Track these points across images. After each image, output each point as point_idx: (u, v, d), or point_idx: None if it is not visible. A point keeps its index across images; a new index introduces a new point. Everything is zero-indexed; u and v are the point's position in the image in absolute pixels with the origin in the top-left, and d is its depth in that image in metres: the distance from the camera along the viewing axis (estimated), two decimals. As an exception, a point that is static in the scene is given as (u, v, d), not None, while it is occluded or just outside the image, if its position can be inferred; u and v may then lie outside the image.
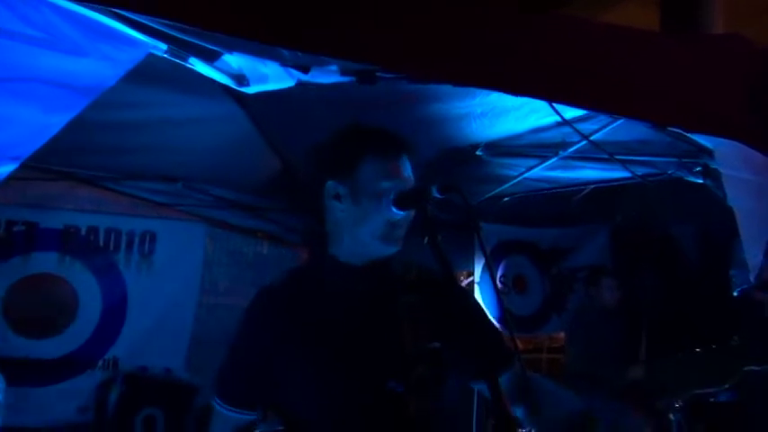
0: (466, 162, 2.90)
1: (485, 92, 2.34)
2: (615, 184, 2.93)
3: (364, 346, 1.34)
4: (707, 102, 1.76)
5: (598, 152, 2.48)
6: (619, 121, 2.21)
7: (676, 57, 1.81)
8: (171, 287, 4.03)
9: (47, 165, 3.57)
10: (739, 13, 3.90)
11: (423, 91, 2.42)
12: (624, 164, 2.37)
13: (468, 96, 2.37)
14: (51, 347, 3.65)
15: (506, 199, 3.38)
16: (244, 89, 1.35)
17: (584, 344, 4.09)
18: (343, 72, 1.34)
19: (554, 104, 1.73)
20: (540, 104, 2.36)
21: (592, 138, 2.23)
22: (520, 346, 5.26)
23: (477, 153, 2.82)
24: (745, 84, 1.79)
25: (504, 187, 3.27)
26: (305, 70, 1.28)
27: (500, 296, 4.42)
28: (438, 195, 1.24)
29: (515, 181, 3.14)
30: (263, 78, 1.32)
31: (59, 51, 1.08)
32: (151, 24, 1.15)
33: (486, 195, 3.37)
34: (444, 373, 1.46)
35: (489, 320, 1.65)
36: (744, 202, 1.79)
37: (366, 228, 1.35)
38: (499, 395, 1.17)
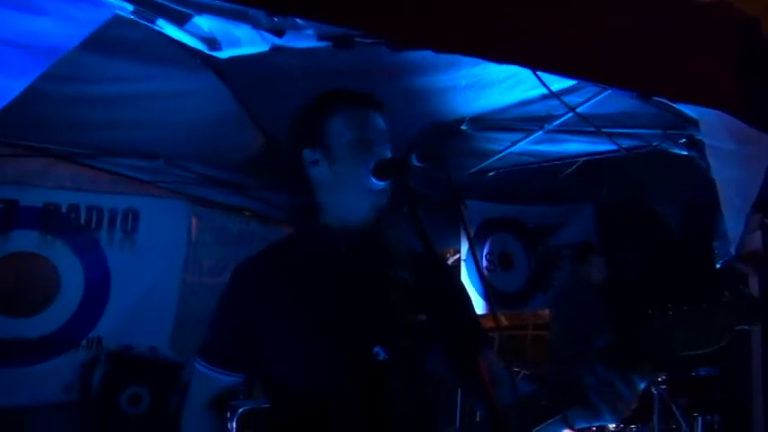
0: (450, 136, 2.86)
1: (470, 63, 2.30)
2: (600, 157, 2.91)
3: (351, 312, 1.33)
4: (693, 71, 1.74)
5: (583, 125, 2.46)
6: (604, 94, 2.19)
7: (662, 25, 1.78)
8: (154, 265, 3.99)
9: (25, 141, 3.51)
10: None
11: (406, 63, 2.38)
12: (610, 136, 2.35)
13: (453, 68, 2.32)
14: (33, 327, 3.61)
15: (491, 174, 3.35)
16: (216, 53, 1.30)
17: (570, 321, 4.11)
18: (320, 37, 1.29)
19: (540, 75, 1.70)
20: (526, 77, 2.32)
21: (577, 110, 2.19)
22: (505, 322, 5.31)
23: (462, 127, 2.79)
24: (730, 53, 1.77)
25: (489, 162, 3.25)
26: (279, 34, 1.24)
27: (483, 274, 4.41)
28: (418, 164, 1.21)
29: (500, 155, 3.11)
30: (235, 42, 1.28)
31: (16, 9, 1.03)
32: (118, -17, 1.10)
33: (471, 170, 3.35)
34: (429, 346, 1.45)
35: (470, 300, 1.64)
36: (726, 173, 1.78)
37: (345, 189, 1.33)
38: (478, 368, 1.16)
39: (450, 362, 1.51)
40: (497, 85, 2.39)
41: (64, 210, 3.77)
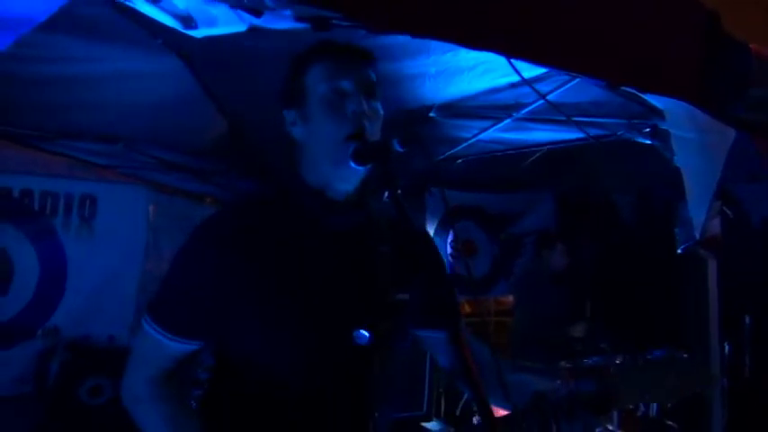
0: (419, 123, 2.86)
1: (439, 50, 2.30)
2: (567, 145, 2.96)
3: (331, 287, 1.25)
4: (661, 62, 1.78)
5: (552, 113, 2.49)
6: (572, 83, 2.22)
7: (633, 15, 1.81)
8: (113, 253, 3.88)
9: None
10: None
11: (375, 48, 2.36)
12: (578, 125, 2.39)
13: (422, 55, 2.32)
14: (-18, 316, 3.49)
15: (459, 161, 3.38)
16: (191, 32, 1.26)
17: (531, 307, 4.21)
18: (298, 18, 1.27)
19: (512, 63, 1.71)
20: (496, 64, 2.34)
21: (547, 98, 2.23)
22: (468, 309, 5.38)
23: (431, 114, 2.79)
24: (695, 45, 1.82)
25: (457, 149, 3.27)
26: (257, 14, 1.21)
27: (451, 260, 4.46)
28: (399, 149, 1.20)
29: (469, 143, 3.14)
30: (211, 21, 1.24)
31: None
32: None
33: (440, 157, 3.36)
34: (408, 327, 1.44)
35: (446, 273, 1.64)
36: (690, 161, 1.84)
37: (320, 151, 1.25)
38: (461, 339, 1.17)
39: (430, 342, 1.51)
40: (467, 73, 2.40)
41: (16, 194, 3.62)
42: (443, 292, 1.51)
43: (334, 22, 1.33)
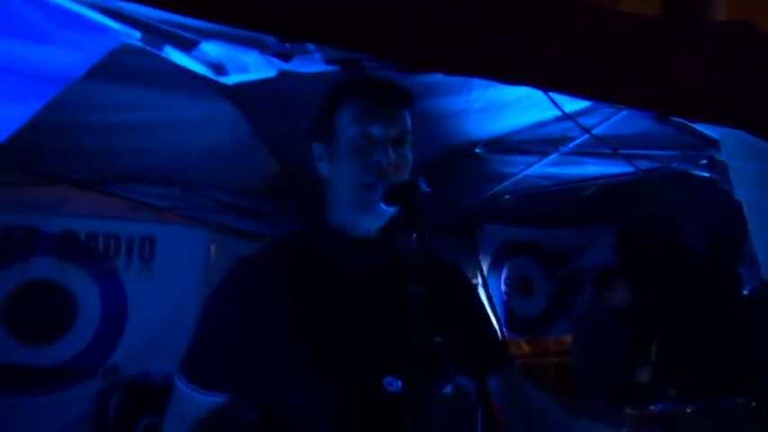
0: (465, 160, 2.83)
1: (482, 86, 2.28)
2: (618, 179, 2.85)
3: (359, 331, 1.21)
4: (712, 90, 1.70)
5: (599, 147, 2.41)
6: (620, 115, 2.15)
7: (679, 44, 1.74)
8: (172, 292, 3.97)
9: (44, 169, 3.56)
10: (746, 6, 3.82)
11: (418, 85, 2.36)
12: (627, 158, 2.29)
13: (465, 91, 2.30)
14: (51, 355, 3.60)
15: (507, 197, 3.31)
16: (222, 79, 1.30)
17: (592, 348, 4.02)
18: (328, 61, 1.28)
19: (553, 97, 1.66)
20: (540, 98, 2.29)
21: (593, 132, 2.15)
22: (526, 349, 5.20)
23: (477, 150, 2.76)
24: (749, 71, 1.72)
25: (504, 185, 3.20)
26: (287, 58, 1.23)
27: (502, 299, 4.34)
28: (426, 188, 1.17)
29: (516, 178, 3.07)
30: (242, 67, 1.27)
31: (26, 40, 1.03)
32: (125, 11, 1.10)
33: (488, 194, 3.30)
34: (447, 373, 1.37)
35: (488, 316, 1.56)
36: (752, 194, 1.72)
37: (346, 193, 1.23)
38: (486, 391, 1.10)
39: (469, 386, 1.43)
40: (511, 107, 2.36)
41: (82, 237, 3.79)
42: (483, 335, 1.44)
43: (364, 63, 1.33)
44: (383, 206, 1.20)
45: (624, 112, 2.09)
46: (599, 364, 3.90)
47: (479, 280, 4.46)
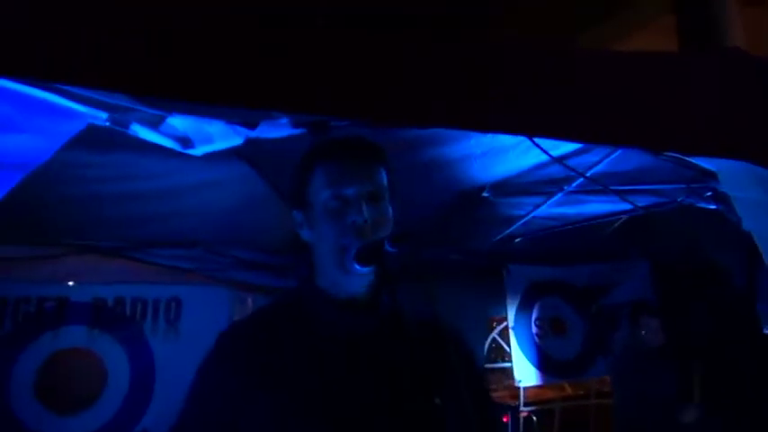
0: (476, 204, 2.80)
1: (479, 133, 2.27)
2: (625, 216, 2.76)
3: (347, 394, 1.17)
4: (704, 121, 1.63)
5: (603, 185, 2.34)
6: (617, 152, 2.09)
7: (667, 77, 1.70)
8: (198, 353, 3.95)
9: (74, 240, 3.68)
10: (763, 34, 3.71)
11: (418, 136, 2.37)
12: (620, 194, 2.23)
13: (464, 138, 2.30)
14: (81, 424, 3.62)
15: (518, 240, 3.24)
16: (189, 151, 1.32)
17: (632, 387, 3.82)
18: (295, 124, 1.29)
19: (538, 142, 1.63)
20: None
21: (594, 170, 2.10)
22: (569, 391, 4.98)
23: (484, 194, 2.73)
24: (745, 98, 1.66)
25: (513, 228, 3.14)
26: (252, 126, 1.24)
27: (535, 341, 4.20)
28: (391, 249, 1.14)
29: (525, 220, 3.01)
30: (208, 139, 1.29)
31: (-5, 130, 1.08)
32: (91, 95, 1.14)
33: (498, 237, 3.24)
34: None
35: (484, 386, 1.48)
36: (761, 224, 1.63)
37: (322, 252, 1.24)
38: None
39: None
40: (511, 151, 2.34)
41: (110, 303, 3.86)
42: (477, 397, 1.38)
43: (332, 123, 1.34)
44: (357, 267, 1.18)
45: (620, 150, 2.04)
46: (640, 403, 3.71)
47: (510, 323, 4.35)
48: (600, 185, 2.27)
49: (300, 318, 1.26)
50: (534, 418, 4.08)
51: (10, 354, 3.57)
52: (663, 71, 1.67)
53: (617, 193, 2.21)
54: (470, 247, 3.56)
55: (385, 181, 1.29)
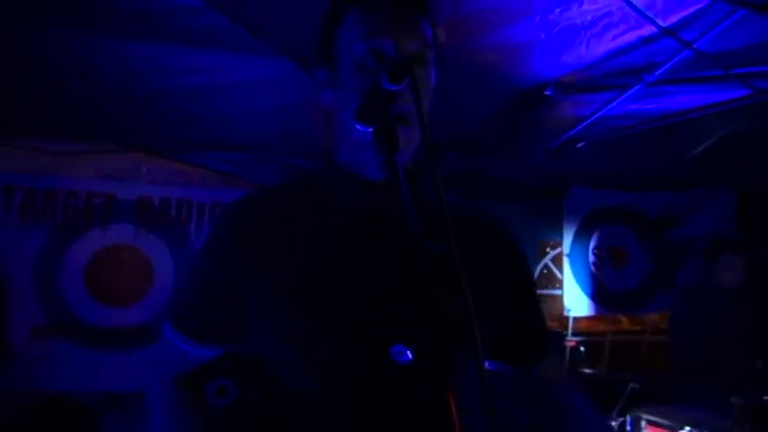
0: (535, 106, 2.48)
1: (545, 7, 1.93)
2: (722, 108, 2.28)
3: (365, 288, 1.00)
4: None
5: (697, 70, 1.94)
6: (727, 21, 1.67)
7: None
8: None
9: (121, 138, 3.65)
10: None
11: (464, 20, 2.05)
12: (742, 78, 1.77)
13: (524, 16, 1.96)
14: (129, 316, 3.72)
15: (581, 144, 2.86)
16: None
17: (695, 328, 3.50)
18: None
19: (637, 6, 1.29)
20: (619, 16, 1.91)
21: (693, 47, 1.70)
22: (625, 325, 4.73)
23: (546, 93, 2.38)
24: None
25: (577, 129, 2.77)
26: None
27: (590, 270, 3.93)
28: (390, 87, 0.89)
29: (590, 121, 2.64)
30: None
31: None
32: None
33: (560, 140, 2.87)
34: (470, 346, 1.09)
35: (531, 289, 1.23)
36: None
37: (341, 120, 1.02)
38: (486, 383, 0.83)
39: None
40: (583, 33, 1.98)
41: (156, 203, 3.87)
42: (521, 315, 1.17)
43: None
44: (358, 127, 0.96)
45: (730, 20, 1.62)
46: (706, 347, 3.41)
47: (565, 249, 4.07)
48: (695, 70, 1.86)
49: (314, 195, 1.09)
50: (582, 348, 3.85)
51: (60, 245, 3.66)
52: None
53: (729, 76, 1.76)
54: (527, 161, 3.25)
55: (430, 37, 1.03)
